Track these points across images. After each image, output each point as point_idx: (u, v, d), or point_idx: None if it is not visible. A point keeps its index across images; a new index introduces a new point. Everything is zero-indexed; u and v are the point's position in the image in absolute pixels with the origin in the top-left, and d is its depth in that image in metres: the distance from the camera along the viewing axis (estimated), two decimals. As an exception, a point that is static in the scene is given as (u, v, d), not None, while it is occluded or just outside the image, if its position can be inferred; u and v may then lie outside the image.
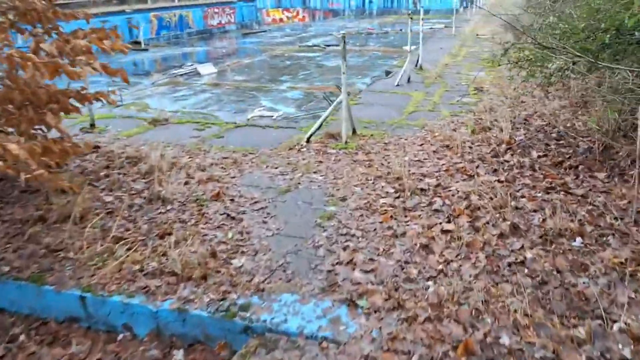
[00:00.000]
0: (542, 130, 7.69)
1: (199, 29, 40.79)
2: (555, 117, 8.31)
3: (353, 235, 5.11)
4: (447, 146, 7.27)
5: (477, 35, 20.58)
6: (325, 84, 22.65)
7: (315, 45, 34.19)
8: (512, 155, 6.75)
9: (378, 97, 10.50)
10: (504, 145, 7.09)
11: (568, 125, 7.79)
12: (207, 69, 25.32)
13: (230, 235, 5.30)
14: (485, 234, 4.92)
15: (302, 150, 7.42)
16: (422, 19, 12.15)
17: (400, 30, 43.60)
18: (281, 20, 55.77)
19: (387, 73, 13.67)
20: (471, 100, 9.65)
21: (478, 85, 10.95)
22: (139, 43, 34.34)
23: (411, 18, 11.20)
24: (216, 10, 42.43)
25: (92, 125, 10.32)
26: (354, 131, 7.79)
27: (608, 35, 6.28)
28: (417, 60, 12.64)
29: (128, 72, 27.30)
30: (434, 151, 7.08)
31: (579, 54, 6.43)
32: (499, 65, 8.72)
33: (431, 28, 41.50)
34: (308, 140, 7.52)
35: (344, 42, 6.86)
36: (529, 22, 19.18)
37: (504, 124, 7.71)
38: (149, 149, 7.35)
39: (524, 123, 7.98)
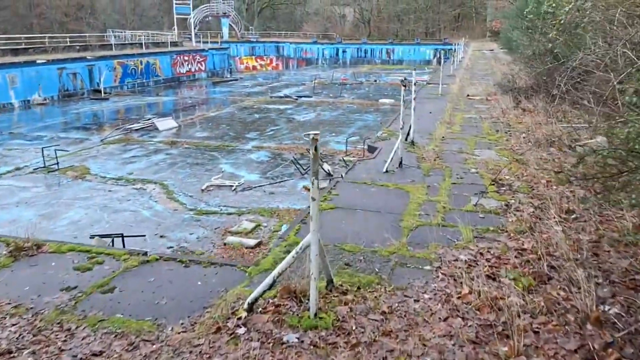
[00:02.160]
0: (634, 282, 4.42)
1: (167, 77, 37.32)
2: (638, 248, 5.04)
3: None
4: (492, 326, 3.86)
5: (467, 96, 17.59)
6: (295, 143, 19.33)
7: (286, 96, 31.01)
8: (622, 364, 3.43)
9: (361, 194, 6.95)
10: (592, 331, 3.74)
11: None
12: (167, 124, 21.72)
13: None
14: None
15: (237, 331, 3.86)
16: (415, 83, 8.79)
17: (375, 81, 40.91)
18: (254, 68, 52.83)
19: (372, 149, 10.32)
20: (494, 203, 6.36)
21: (494, 174, 7.70)
22: (99, 91, 30.67)
23: (404, 86, 7.91)
24: (186, 57, 39.11)
25: None
26: (328, 282, 4.35)
27: None
28: (408, 133, 9.35)
29: (80, 123, 23.50)
30: (474, 342, 3.68)
31: None
32: (569, 181, 5.49)
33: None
34: (251, 309, 3.98)
35: (316, 148, 3.47)
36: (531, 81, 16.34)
37: (571, 269, 4.38)
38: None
39: (598, 265, 4.71)
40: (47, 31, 50.98)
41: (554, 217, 5.91)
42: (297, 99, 30.01)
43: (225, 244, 10.31)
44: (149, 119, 22.22)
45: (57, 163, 15.62)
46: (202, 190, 13.78)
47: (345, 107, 27.56)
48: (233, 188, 13.91)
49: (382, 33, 67.17)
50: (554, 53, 13.84)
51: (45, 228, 11.13)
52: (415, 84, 9.27)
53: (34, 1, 60.42)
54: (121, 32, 47.30)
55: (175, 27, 45.82)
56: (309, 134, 3.50)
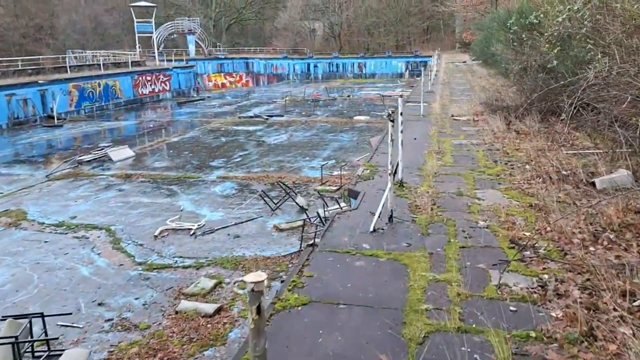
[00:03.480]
0: None
1: (129, 99, 35.02)
2: None
3: None
4: None
5: (452, 116, 15.74)
6: (265, 171, 17.40)
7: (256, 116, 29.13)
8: None
9: (344, 272, 5.38)
10: None
11: None
12: (122, 154, 19.56)
13: None
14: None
15: None
16: (401, 114, 6.95)
17: (348, 96, 39.25)
18: (223, 85, 50.83)
19: (353, 194, 8.18)
20: (523, 282, 4.60)
21: (509, 228, 5.91)
22: (53, 118, 28.24)
23: (392, 121, 6.05)
24: (148, 77, 36.85)
25: None
26: None
27: None
28: (395, 171, 7.35)
29: (26, 156, 21.02)
30: None
31: None
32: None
33: (381, 95, 37.39)
34: None
35: (259, 310, 1.73)
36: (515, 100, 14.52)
37: None
38: None
39: None
40: (4, 54, 48.14)
41: (613, 308, 4.16)
42: (267, 119, 28.18)
43: (177, 312, 8.35)
44: (102, 149, 20.02)
45: (-13, 207, 13.41)
46: (156, 236, 11.78)
47: (319, 127, 25.82)
48: (192, 232, 11.96)
49: (353, 47, 65.95)
50: (546, 68, 12.33)
51: (-44, 299, 8.98)
52: (401, 114, 7.48)
53: (-10, 22, 57.45)
54: (82, 53, 44.81)
55: (138, 46, 43.59)
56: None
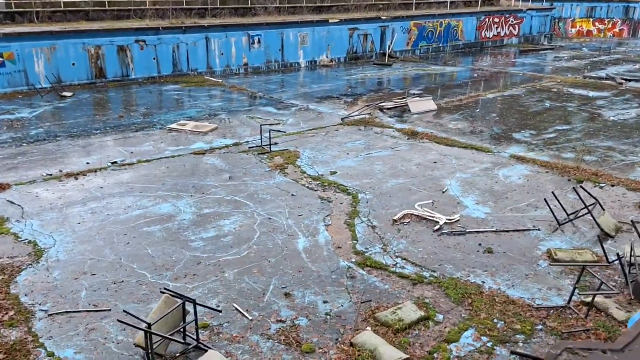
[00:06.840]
0: None
1: (468, 42, 32.35)
2: None
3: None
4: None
5: None
6: (578, 160, 12.76)
7: (608, 78, 22.67)
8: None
9: None
10: None
11: None
12: (422, 106, 17.72)
13: None
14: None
15: None
16: None
17: None
18: (589, 33, 42.37)
19: None
20: None
21: None
22: (385, 55, 28.30)
23: None
24: (496, 19, 33.06)
25: None
26: None
27: None
28: None
29: (339, 93, 21.28)
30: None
31: None
32: None
33: None
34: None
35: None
36: None
37: None
38: None
39: None
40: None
41: None
42: (621, 83, 21.58)
43: (352, 345, 6.35)
44: (404, 98, 18.54)
45: (270, 145, 13.64)
46: (395, 220, 9.75)
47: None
48: (436, 227, 9.44)
49: None
50: None
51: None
52: None
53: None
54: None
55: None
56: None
